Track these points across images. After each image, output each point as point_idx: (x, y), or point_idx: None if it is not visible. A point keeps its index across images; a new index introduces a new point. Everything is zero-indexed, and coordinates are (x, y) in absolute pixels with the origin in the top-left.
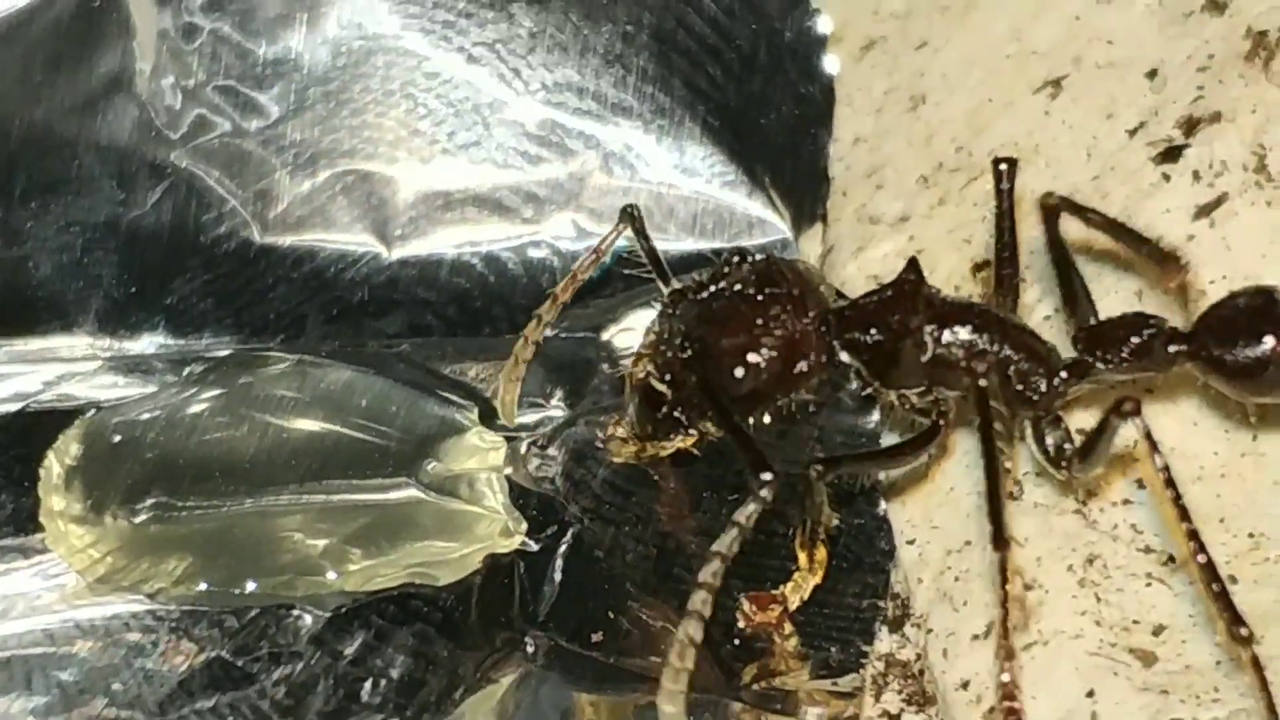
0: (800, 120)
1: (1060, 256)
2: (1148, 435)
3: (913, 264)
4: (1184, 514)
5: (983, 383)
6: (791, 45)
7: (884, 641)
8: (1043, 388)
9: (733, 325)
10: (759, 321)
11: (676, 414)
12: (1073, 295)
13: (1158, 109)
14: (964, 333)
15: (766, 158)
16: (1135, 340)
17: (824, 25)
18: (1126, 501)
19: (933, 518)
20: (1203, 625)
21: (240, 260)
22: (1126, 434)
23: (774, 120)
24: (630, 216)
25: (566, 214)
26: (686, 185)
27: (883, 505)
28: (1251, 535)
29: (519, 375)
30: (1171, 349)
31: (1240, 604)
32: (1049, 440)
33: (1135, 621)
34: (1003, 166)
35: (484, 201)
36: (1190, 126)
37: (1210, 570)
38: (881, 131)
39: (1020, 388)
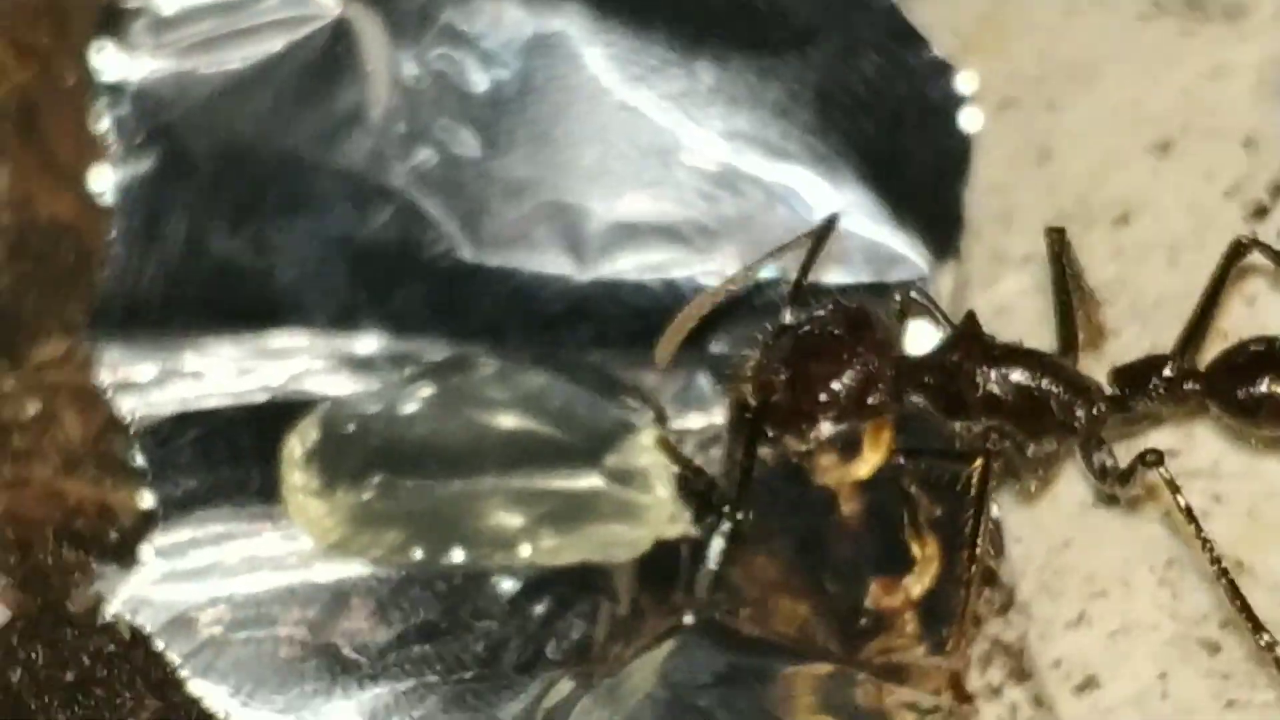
0: (941, 169)
1: (1213, 294)
2: (1170, 481)
3: (970, 316)
4: (1205, 544)
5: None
6: (936, 104)
7: (992, 625)
8: (1083, 418)
9: (822, 356)
10: (845, 356)
11: (767, 430)
12: (1193, 331)
13: (1251, 174)
14: (1012, 373)
15: (910, 201)
16: (1155, 379)
17: (965, 86)
18: (1205, 513)
19: (1039, 521)
20: None
21: (453, 275)
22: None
23: (918, 169)
24: (830, 223)
25: (735, 246)
26: (840, 224)
27: (996, 511)
28: None
29: (685, 327)
30: (1187, 386)
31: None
32: (1094, 461)
33: (1205, 616)
34: (1054, 235)
35: (664, 232)
36: (1277, 191)
37: (1232, 587)
38: (1012, 181)
39: (1063, 419)
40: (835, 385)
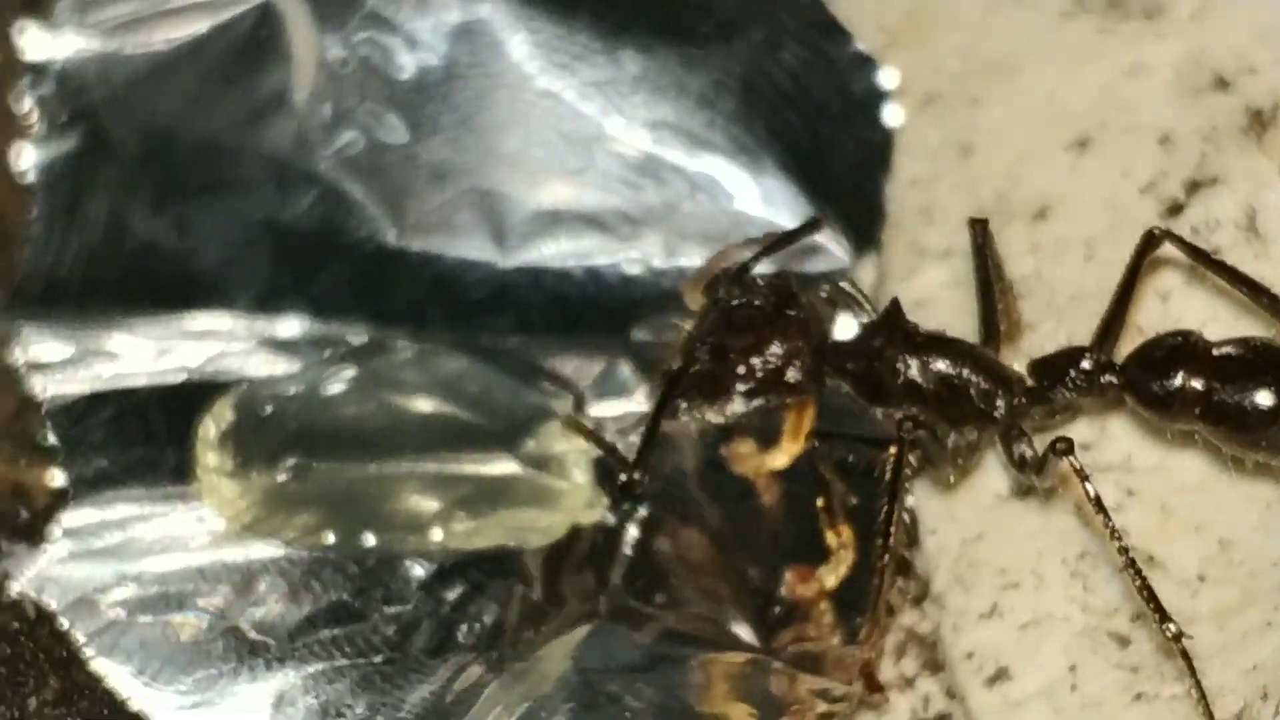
0: (863, 162)
1: (1127, 286)
2: (1079, 470)
3: (894, 304)
4: (1113, 533)
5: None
6: (860, 97)
7: (906, 616)
8: (1004, 408)
9: (746, 329)
10: (768, 332)
11: (686, 396)
12: (1109, 324)
13: (1167, 170)
14: (935, 362)
15: (832, 194)
16: (1073, 371)
17: (889, 81)
18: (1118, 507)
19: (953, 513)
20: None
21: (376, 260)
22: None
23: (840, 161)
24: (814, 224)
25: (658, 235)
26: (762, 214)
27: (911, 501)
28: (1221, 541)
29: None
30: (1104, 379)
31: (1209, 600)
32: (1014, 451)
33: (1116, 609)
34: (977, 226)
35: (586, 220)
36: (1192, 188)
37: (1139, 577)
38: (934, 176)
39: (984, 408)
40: (754, 359)
